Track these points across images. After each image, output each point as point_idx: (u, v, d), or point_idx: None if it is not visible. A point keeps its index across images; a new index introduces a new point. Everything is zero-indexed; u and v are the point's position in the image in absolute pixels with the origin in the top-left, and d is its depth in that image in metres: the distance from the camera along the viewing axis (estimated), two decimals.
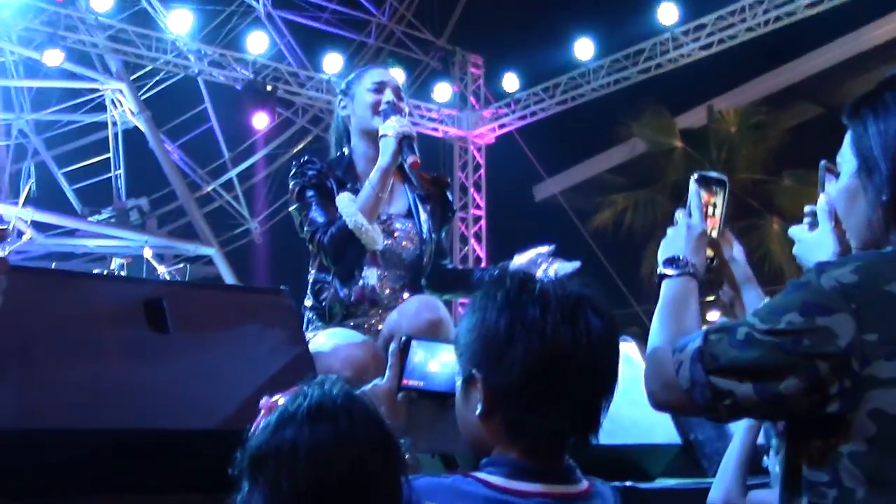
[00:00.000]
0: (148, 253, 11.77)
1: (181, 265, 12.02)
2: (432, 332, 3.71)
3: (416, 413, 2.55)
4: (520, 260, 4.14)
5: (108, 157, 22.17)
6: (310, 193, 3.99)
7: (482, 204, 21.23)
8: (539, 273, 4.05)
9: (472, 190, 21.16)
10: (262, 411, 1.99)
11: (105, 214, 21.73)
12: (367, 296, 3.97)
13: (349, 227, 3.78)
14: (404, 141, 3.87)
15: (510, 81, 19.89)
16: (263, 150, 23.00)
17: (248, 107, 18.90)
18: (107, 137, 22.05)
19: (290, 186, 4.06)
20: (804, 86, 21.89)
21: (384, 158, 3.85)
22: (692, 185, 2.45)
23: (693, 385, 1.92)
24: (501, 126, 20.83)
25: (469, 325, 2.01)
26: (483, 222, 21.11)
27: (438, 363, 2.38)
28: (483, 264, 20.99)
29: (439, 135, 21.26)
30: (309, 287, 4.16)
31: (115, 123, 21.94)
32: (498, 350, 1.94)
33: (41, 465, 2.86)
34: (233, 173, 23.19)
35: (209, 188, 23.19)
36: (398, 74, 12.91)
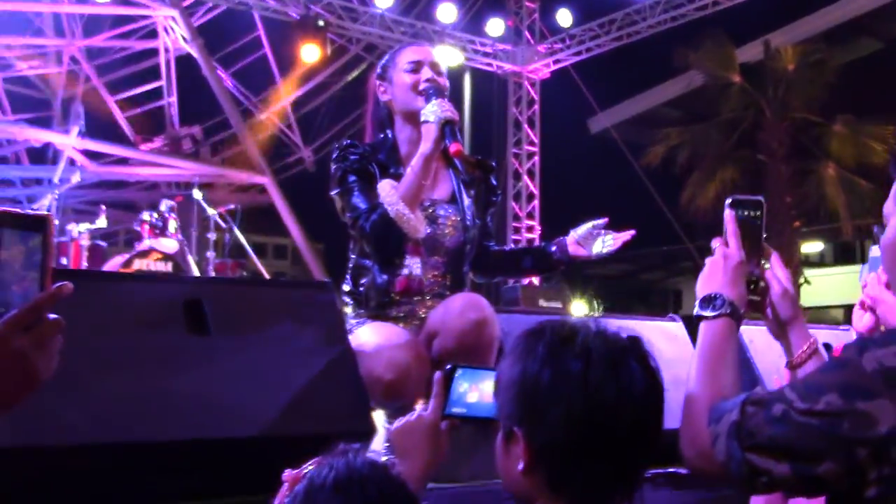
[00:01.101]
0: (198, 194, 11.75)
1: (232, 206, 11.97)
2: (477, 332, 3.68)
3: (459, 439, 2.52)
4: (575, 234, 4.09)
5: (161, 85, 22.18)
6: (352, 178, 3.92)
7: (536, 140, 21.16)
8: (596, 247, 4.05)
9: (525, 126, 21.08)
10: (286, 484, 1.96)
11: (158, 143, 21.81)
12: (413, 286, 3.92)
13: (391, 216, 3.74)
14: (446, 126, 3.78)
15: (564, 17, 19.74)
16: (317, 77, 22.88)
17: (300, 39, 18.80)
18: (159, 65, 22.02)
19: (332, 171, 4.01)
20: (865, 19, 21.50)
21: (426, 145, 3.77)
22: (727, 211, 2.31)
23: (730, 459, 1.87)
24: (556, 62, 20.68)
25: (508, 380, 1.97)
26: (537, 158, 21.06)
27: (482, 391, 2.35)
28: (536, 202, 21.03)
29: (493, 70, 21.16)
30: (349, 271, 4.13)
31: (167, 50, 21.93)
32: (540, 407, 1.89)
33: (82, 481, 2.84)
34: (286, 101, 23.14)
35: (262, 116, 23.15)
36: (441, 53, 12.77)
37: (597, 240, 4.07)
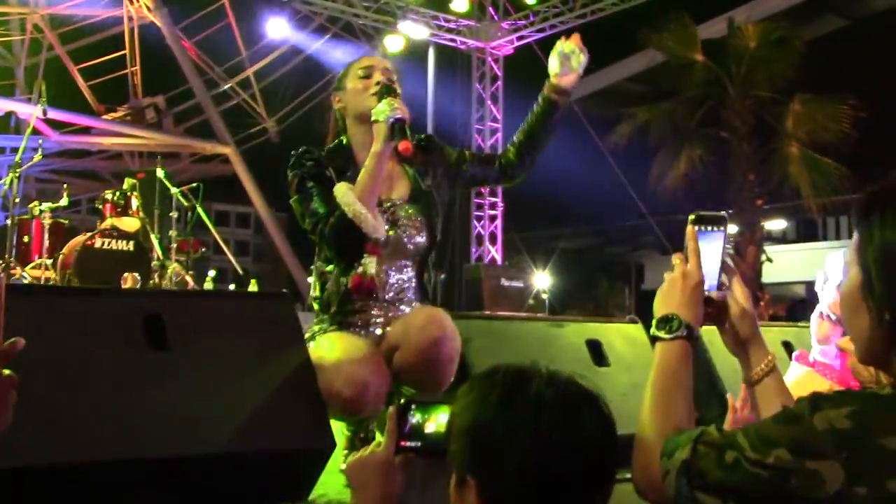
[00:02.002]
0: (160, 173, 11.68)
1: (195, 184, 11.90)
2: (438, 349, 3.70)
3: (414, 472, 2.54)
4: (553, 72, 4.08)
5: (124, 54, 22.05)
6: (309, 185, 3.92)
7: (499, 116, 21.17)
8: (574, 63, 4.06)
9: (489, 102, 21.09)
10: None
11: (121, 112, 21.68)
12: (365, 284, 3.91)
13: (348, 216, 3.74)
14: (396, 124, 3.80)
15: None
16: (280, 48, 22.81)
17: (265, 9, 18.76)
18: (122, 33, 21.88)
19: (289, 178, 4.02)
20: None
21: (377, 144, 3.79)
22: (689, 228, 2.32)
23: (678, 495, 1.89)
24: (520, 38, 20.69)
25: (460, 428, 1.97)
26: (500, 135, 21.07)
27: (436, 423, 2.36)
28: None
29: (457, 46, 21.13)
30: (314, 276, 4.14)
31: (131, 19, 21.79)
32: (492, 457, 1.89)
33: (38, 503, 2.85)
34: (250, 71, 23.08)
35: (226, 86, 23.08)
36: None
37: (570, 58, 4.07)
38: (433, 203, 4.09)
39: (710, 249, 2.26)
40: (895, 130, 22.15)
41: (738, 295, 2.28)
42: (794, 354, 4.42)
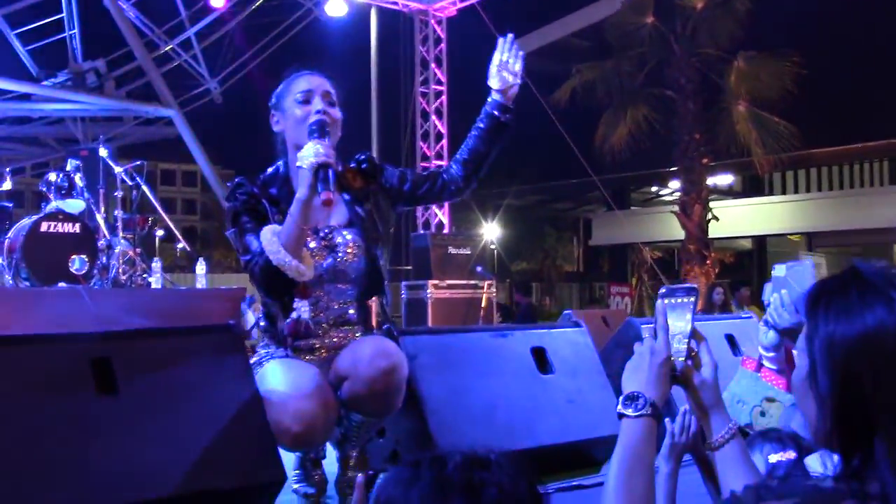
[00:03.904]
0: (104, 152, 11.61)
1: (138, 163, 11.83)
2: (386, 380, 3.75)
3: None
4: (493, 79, 4.08)
5: (63, 17, 21.71)
6: (244, 219, 3.90)
7: (444, 79, 21.10)
8: (513, 68, 4.07)
9: (433, 65, 21.02)
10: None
11: (61, 78, 21.38)
12: (300, 330, 3.93)
13: (273, 264, 3.74)
14: (319, 171, 3.75)
15: None
16: (221, 7, 22.54)
17: None
18: None
19: (226, 210, 4.02)
20: None
21: (301, 190, 3.72)
22: (658, 303, 2.37)
23: None
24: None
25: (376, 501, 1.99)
26: (444, 98, 21.01)
27: None
28: (445, 141, 21.01)
29: (399, 9, 21.01)
30: (262, 307, 4.16)
31: None
32: None
33: None
34: (191, 32, 22.80)
35: (167, 47, 22.80)
36: None
37: (508, 64, 4.08)
38: (372, 226, 4.09)
39: (680, 319, 2.33)
40: (836, 86, 22.36)
41: (704, 363, 2.35)
42: (740, 359, 4.48)
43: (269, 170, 4.12)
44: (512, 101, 4.14)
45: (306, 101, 3.99)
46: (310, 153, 3.73)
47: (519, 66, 4.11)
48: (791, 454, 2.89)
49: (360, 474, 2.40)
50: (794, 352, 2.09)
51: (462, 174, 4.25)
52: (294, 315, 3.91)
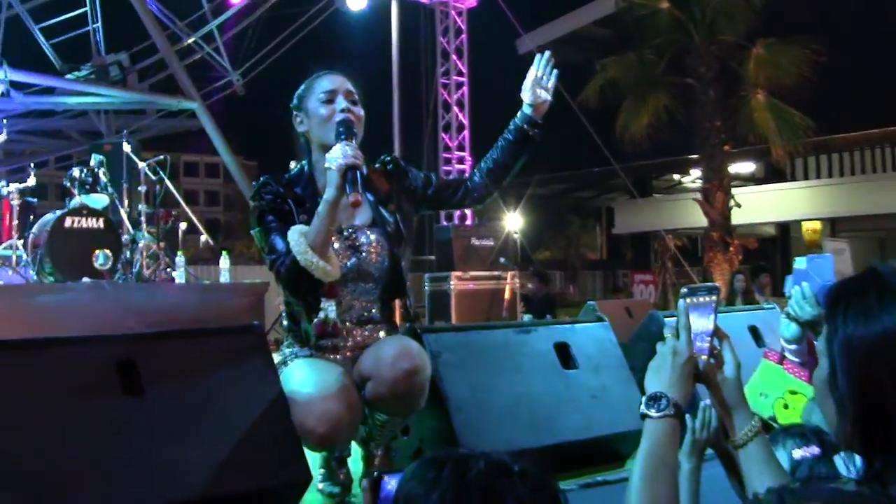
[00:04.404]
0: (127, 147, 11.68)
1: (162, 157, 11.87)
2: (409, 382, 3.78)
3: None
4: (526, 94, 4.13)
5: (86, 11, 21.76)
6: (269, 218, 3.93)
7: (465, 70, 21.13)
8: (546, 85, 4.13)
9: (453, 56, 21.04)
10: None
11: (84, 71, 21.43)
12: (328, 330, 3.97)
13: (301, 264, 3.76)
14: (348, 173, 3.76)
15: None
16: (240, 1, 22.59)
17: None
18: None
19: (251, 208, 4.04)
20: None
21: (329, 192, 3.75)
22: (680, 303, 2.39)
23: None
24: None
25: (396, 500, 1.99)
26: (466, 88, 21.06)
27: None
28: (466, 132, 21.02)
29: (420, 0, 21.02)
30: (283, 307, 4.19)
31: None
32: None
33: None
34: (213, 24, 22.81)
35: (189, 40, 22.82)
36: None
37: (542, 81, 4.13)
38: (395, 227, 4.11)
39: (702, 318, 2.34)
40: (856, 71, 22.23)
41: (726, 362, 2.36)
42: (762, 351, 4.48)
43: (294, 169, 4.15)
44: (541, 117, 4.18)
45: (330, 100, 4.02)
46: (338, 154, 3.75)
47: (553, 82, 4.17)
48: (815, 449, 2.89)
49: (364, 480, 2.41)
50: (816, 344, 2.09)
51: (485, 183, 4.31)
52: (321, 315, 3.94)
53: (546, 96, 4.14)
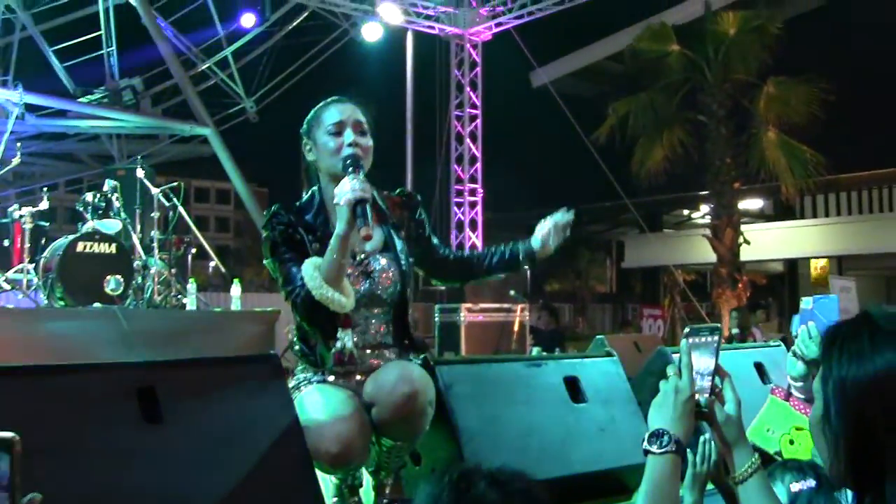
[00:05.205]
0: (141, 173, 11.75)
1: (175, 183, 11.94)
2: (410, 405, 3.84)
3: None
4: (541, 236, 4.33)
5: (100, 35, 21.87)
6: (282, 249, 3.96)
7: (478, 102, 21.22)
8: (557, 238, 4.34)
9: (468, 88, 21.13)
10: None
11: (97, 94, 21.55)
12: (345, 359, 4.01)
13: (316, 298, 3.80)
14: (357, 207, 3.80)
15: None
16: (258, 26, 22.76)
17: None
18: (98, 13, 21.68)
19: (263, 238, 4.08)
20: None
21: (340, 226, 3.77)
22: (683, 343, 2.44)
23: None
24: (498, 24, 20.73)
25: None
26: (479, 121, 21.13)
27: None
28: (479, 164, 21.10)
29: (435, 33, 21.14)
30: (297, 331, 4.22)
31: None
32: None
33: None
34: (228, 51, 22.97)
35: (204, 66, 22.96)
36: None
37: (557, 234, 4.34)
38: (405, 253, 4.17)
39: (704, 357, 2.41)
40: (865, 111, 22.27)
41: (727, 400, 2.41)
42: (770, 387, 4.51)
43: (305, 197, 4.19)
44: (542, 259, 4.42)
45: (338, 132, 4.05)
46: (346, 189, 3.77)
47: (558, 245, 4.39)
48: (811, 482, 2.96)
49: None
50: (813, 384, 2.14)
51: (462, 275, 4.65)
52: (338, 345, 3.99)
53: (551, 248, 4.36)
